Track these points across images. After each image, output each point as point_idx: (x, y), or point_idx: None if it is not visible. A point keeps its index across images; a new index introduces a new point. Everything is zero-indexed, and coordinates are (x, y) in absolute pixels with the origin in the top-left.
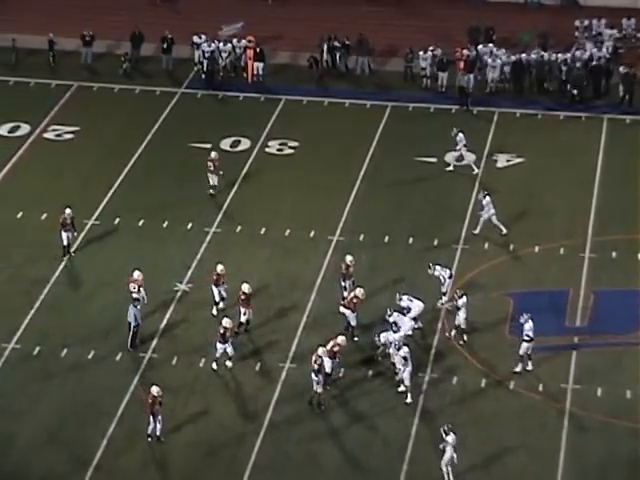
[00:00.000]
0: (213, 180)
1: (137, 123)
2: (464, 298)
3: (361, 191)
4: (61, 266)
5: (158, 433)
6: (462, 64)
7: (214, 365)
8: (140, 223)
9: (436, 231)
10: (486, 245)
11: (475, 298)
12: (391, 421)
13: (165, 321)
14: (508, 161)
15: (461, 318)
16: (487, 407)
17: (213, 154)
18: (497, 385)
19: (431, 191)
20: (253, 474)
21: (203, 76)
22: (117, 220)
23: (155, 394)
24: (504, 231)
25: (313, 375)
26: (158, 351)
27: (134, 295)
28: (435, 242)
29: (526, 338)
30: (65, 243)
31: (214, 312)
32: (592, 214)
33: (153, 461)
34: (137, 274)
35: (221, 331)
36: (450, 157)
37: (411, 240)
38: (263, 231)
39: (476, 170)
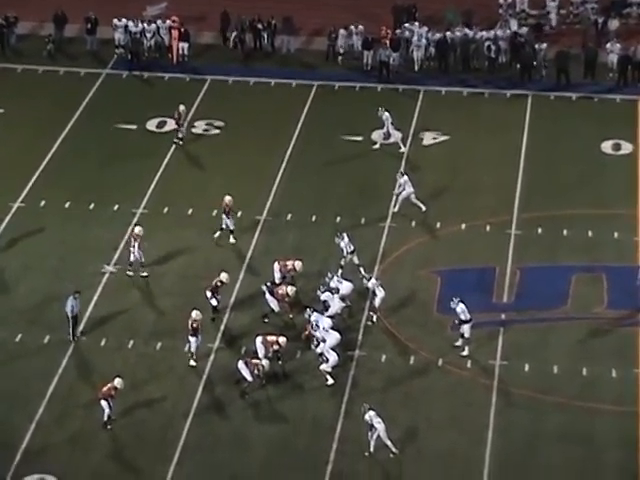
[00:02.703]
0: (228, 223)
1: (62, 105)
2: (373, 280)
3: (288, 171)
4: None
5: (105, 418)
6: (387, 42)
7: (192, 362)
8: (66, 205)
9: (363, 210)
10: (413, 223)
11: (402, 276)
12: (320, 400)
13: (93, 303)
14: (434, 139)
15: (377, 300)
16: (416, 384)
17: (227, 199)
18: (425, 362)
19: (358, 170)
20: (183, 455)
21: (128, 57)
22: (43, 202)
23: (117, 386)
24: (423, 209)
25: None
26: (86, 333)
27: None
28: (362, 221)
29: (463, 319)
30: None
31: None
32: (518, 191)
33: (82, 444)
34: (138, 229)
35: (193, 325)
36: (376, 135)
37: (338, 219)
38: (190, 212)
39: (403, 148)
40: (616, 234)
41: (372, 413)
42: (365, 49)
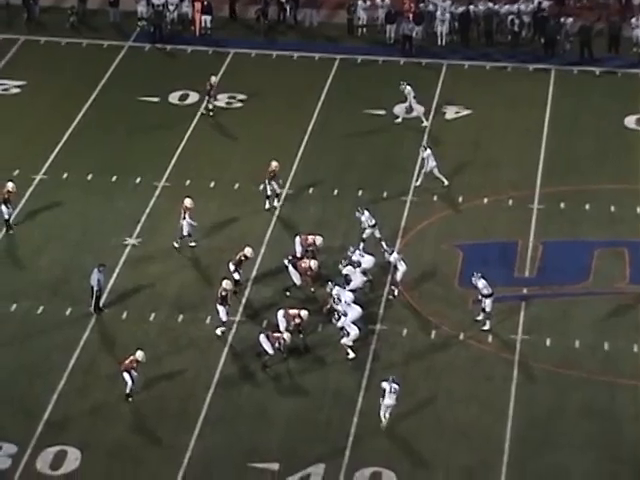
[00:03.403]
0: (275, 188)
1: (85, 77)
2: (394, 254)
3: (310, 144)
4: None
5: (128, 391)
6: (410, 16)
7: (218, 331)
8: (89, 177)
9: (385, 183)
10: (435, 197)
11: (424, 250)
12: (341, 374)
13: (115, 275)
14: (456, 113)
15: (399, 274)
16: (437, 359)
17: (274, 164)
18: (447, 337)
19: (380, 144)
20: (204, 427)
21: (151, 29)
22: (65, 175)
23: (139, 359)
24: (445, 183)
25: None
26: (108, 305)
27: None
28: (384, 194)
29: (485, 293)
30: (6, 217)
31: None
32: (540, 165)
33: (103, 415)
34: (189, 201)
35: (222, 294)
36: (399, 109)
37: (360, 193)
38: (212, 185)
39: (425, 122)
40: (638, 209)
41: (390, 386)
42: (388, 23)
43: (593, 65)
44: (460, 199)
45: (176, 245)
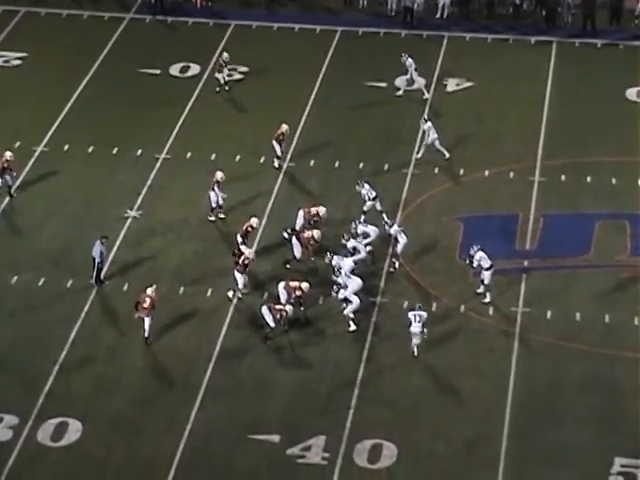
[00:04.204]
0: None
1: (86, 49)
2: (395, 227)
3: (311, 117)
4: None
5: (147, 335)
6: None
7: (230, 293)
8: (90, 150)
9: (386, 156)
10: (436, 170)
11: (425, 223)
12: (342, 346)
13: (115, 248)
14: (458, 85)
15: (399, 247)
16: (438, 331)
17: (284, 127)
18: (447, 309)
19: (381, 116)
20: (205, 399)
21: (152, 1)
22: (66, 147)
23: (150, 294)
24: (447, 155)
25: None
26: (109, 278)
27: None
28: (385, 167)
29: (485, 266)
30: (10, 183)
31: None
32: (541, 138)
33: (104, 387)
34: (220, 174)
35: (245, 262)
36: (400, 82)
37: (361, 165)
38: (213, 157)
39: (427, 94)
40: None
41: (414, 315)
42: None
43: (595, 37)
44: (461, 172)
45: (212, 218)
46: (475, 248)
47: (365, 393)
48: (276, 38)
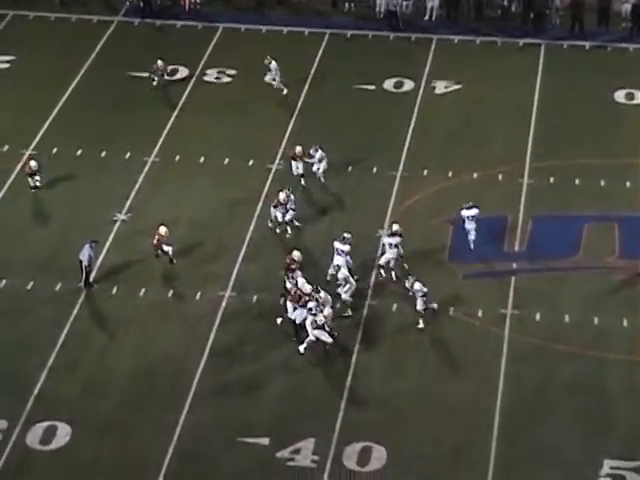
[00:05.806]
0: (300, 168)
1: (74, 52)
2: (387, 239)
3: (299, 120)
4: None
5: (171, 254)
6: None
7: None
8: (78, 153)
9: (374, 159)
10: (425, 172)
11: (414, 225)
12: (332, 348)
13: (104, 251)
14: (446, 88)
15: (383, 258)
16: (427, 333)
17: (298, 149)
18: (437, 311)
19: (369, 118)
20: (194, 402)
21: (140, 4)
22: (55, 150)
23: (162, 233)
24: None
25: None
26: (98, 281)
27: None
28: (374, 170)
29: (420, 294)
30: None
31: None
32: (530, 140)
33: (93, 391)
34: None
35: (292, 266)
36: (389, 84)
37: (350, 168)
38: (202, 160)
39: (285, 91)
40: (628, 183)
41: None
42: None
43: (583, 40)
44: (450, 174)
45: (278, 231)
46: (411, 280)
47: (354, 396)
48: (265, 41)
